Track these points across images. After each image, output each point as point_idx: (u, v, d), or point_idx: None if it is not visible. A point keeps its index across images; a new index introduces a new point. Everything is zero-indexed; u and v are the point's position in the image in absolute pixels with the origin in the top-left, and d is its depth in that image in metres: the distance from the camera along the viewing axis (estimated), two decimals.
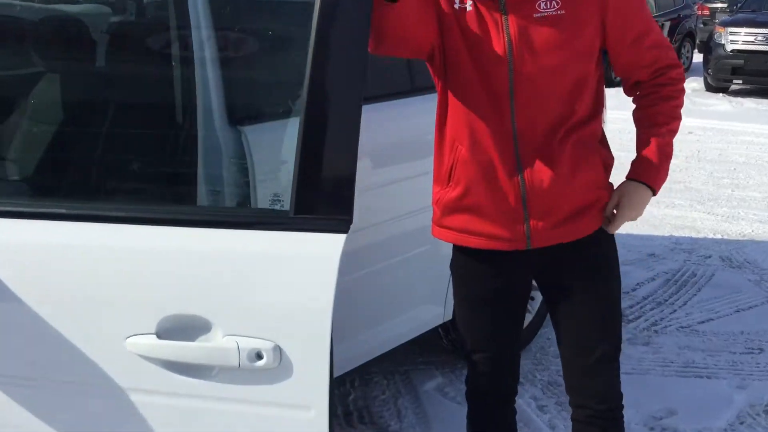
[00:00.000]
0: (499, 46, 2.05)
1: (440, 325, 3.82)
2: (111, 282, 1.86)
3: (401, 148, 3.44)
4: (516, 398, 2.66)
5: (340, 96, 1.81)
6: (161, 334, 1.85)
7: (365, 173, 3.22)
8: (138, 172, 2.35)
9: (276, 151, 2.58)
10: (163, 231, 1.84)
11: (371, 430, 3.59)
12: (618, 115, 8.79)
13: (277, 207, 1.97)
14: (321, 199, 1.80)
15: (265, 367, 1.80)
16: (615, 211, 2.26)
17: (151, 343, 1.84)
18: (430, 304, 3.70)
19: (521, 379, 3.92)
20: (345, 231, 1.79)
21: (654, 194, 2.24)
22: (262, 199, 2.42)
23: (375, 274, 3.39)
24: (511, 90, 2.07)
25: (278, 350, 1.80)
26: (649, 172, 2.22)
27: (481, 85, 2.09)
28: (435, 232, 2.30)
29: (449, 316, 3.76)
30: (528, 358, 4.17)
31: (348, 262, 3.22)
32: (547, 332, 4.37)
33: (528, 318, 4.16)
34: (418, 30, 2.05)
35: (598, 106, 2.22)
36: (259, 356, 1.81)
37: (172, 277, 1.83)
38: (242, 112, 2.76)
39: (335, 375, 3.38)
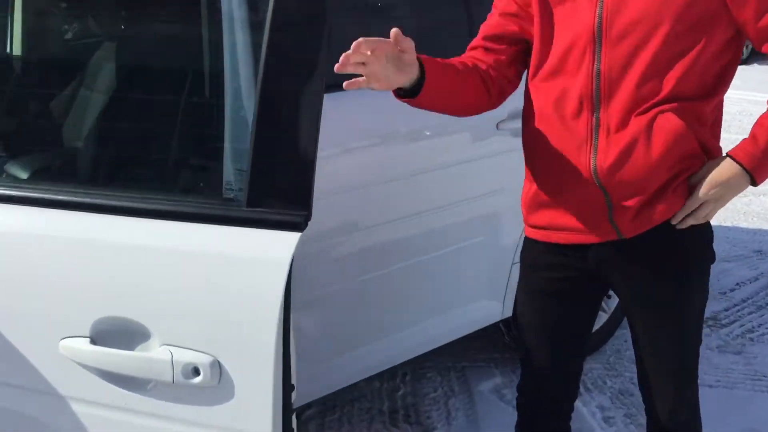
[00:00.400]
0: (589, 10, 1.83)
1: (501, 321, 3.50)
2: (44, 274, 1.64)
3: (459, 127, 3.11)
4: (579, 406, 2.36)
5: (299, 78, 1.52)
6: (96, 337, 1.62)
7: (416, 155, 2.94)
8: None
9: None
10: (100, 219, 1.61)
11: (416, 431, 3.30)
12: (740, 95, 8.12)
13: (230, 196, 1.70)
14: (276, 192, 1.52)
15: (203, 384, 1.55)
16: None
17: (82, 348, 1.62)
18: (487, 300, 3.38)
19: (589, 385, 3.58)
20: (300, 229, 1.50)
21: (753, 183, 1.88)
22: None
23: (426, 264, 3.10)
24: (596, 66, 1.83)
25: (217, 366, 1.54)
26: (750, 154, 1.86)
27: (560, 69, 1.90)
28: (526, 232, 2.12)
29: (508, 313, 3.44)
30: (600, 362, 3.78)
31: (398, 250, 3.04)
32: (625, 334, 3.96)
33: (603, 318, 3.79)
34: (498, 73, 1.99)
35: (712, 87, 1.89)
36: (197, 372, 1.55)
37: (107, 273, 1.60)
38: None
39: (379, 370, 3.18)
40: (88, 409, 1.67)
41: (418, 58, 1.77)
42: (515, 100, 3.24)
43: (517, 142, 3.30)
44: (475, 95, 1.96)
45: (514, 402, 3.47)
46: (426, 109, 1.90)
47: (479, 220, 3.25)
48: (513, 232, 3.38)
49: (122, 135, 2.09)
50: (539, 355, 2.18)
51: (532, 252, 2.13)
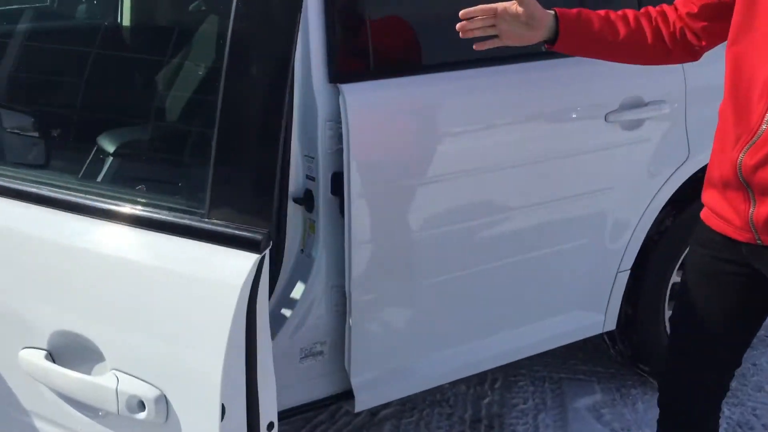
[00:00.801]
0: None
1: (606, 333, 3.15)
2: (7, 276, 1.48)
3: (559, 117, 2.77)
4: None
5: (263, 82, 1.29)
6: (55, 351, 1.46)
7: (513, 147, 2.64)
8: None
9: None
10: (61, 218, 1.43)
11: None
12: None
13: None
14: (237, 204, 1.30)
15: (148, 420, 1.35)
16: None
17: (36, 363, 1.46)
18: (587, 310, 3.05)
19: None
20: (259, 250, 1.26)
21: None
22: None
23: (521, 264, 2.82)
24: None
25: (164, 402, 1.33)
26: None
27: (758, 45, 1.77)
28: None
29: (611, 326, 3.10)
30: None
31: (495, 247, 2.76)
32: (754, 356, 3.50)
33: None
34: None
35: None
36: (142, 406, 1.35)
37: (63, 282, 1.42)
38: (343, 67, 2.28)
39: (466, 375, 2.92)
40: (50, 429, 1.52)
41: (554, 12, 1.89)
42: (628, 89, 2.92)
43: (629, 137, 2.97)
44: (642, 44, 1.97)
45: (614, 424, 3.18)
46: (583, 56, 2.01)
47: (582, 220, 2.91)
48: (620, 237, 3.04)
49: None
50: (691, 342, 2.04)
51: (699, 228, 2.02)
